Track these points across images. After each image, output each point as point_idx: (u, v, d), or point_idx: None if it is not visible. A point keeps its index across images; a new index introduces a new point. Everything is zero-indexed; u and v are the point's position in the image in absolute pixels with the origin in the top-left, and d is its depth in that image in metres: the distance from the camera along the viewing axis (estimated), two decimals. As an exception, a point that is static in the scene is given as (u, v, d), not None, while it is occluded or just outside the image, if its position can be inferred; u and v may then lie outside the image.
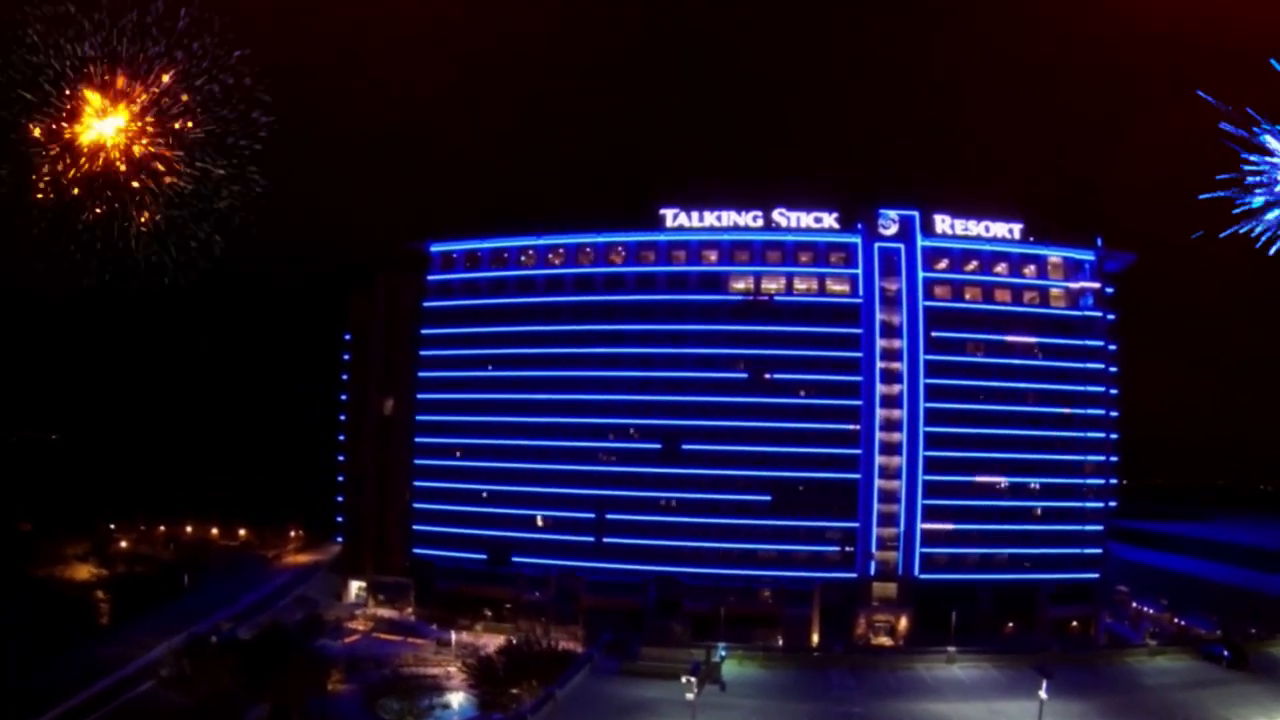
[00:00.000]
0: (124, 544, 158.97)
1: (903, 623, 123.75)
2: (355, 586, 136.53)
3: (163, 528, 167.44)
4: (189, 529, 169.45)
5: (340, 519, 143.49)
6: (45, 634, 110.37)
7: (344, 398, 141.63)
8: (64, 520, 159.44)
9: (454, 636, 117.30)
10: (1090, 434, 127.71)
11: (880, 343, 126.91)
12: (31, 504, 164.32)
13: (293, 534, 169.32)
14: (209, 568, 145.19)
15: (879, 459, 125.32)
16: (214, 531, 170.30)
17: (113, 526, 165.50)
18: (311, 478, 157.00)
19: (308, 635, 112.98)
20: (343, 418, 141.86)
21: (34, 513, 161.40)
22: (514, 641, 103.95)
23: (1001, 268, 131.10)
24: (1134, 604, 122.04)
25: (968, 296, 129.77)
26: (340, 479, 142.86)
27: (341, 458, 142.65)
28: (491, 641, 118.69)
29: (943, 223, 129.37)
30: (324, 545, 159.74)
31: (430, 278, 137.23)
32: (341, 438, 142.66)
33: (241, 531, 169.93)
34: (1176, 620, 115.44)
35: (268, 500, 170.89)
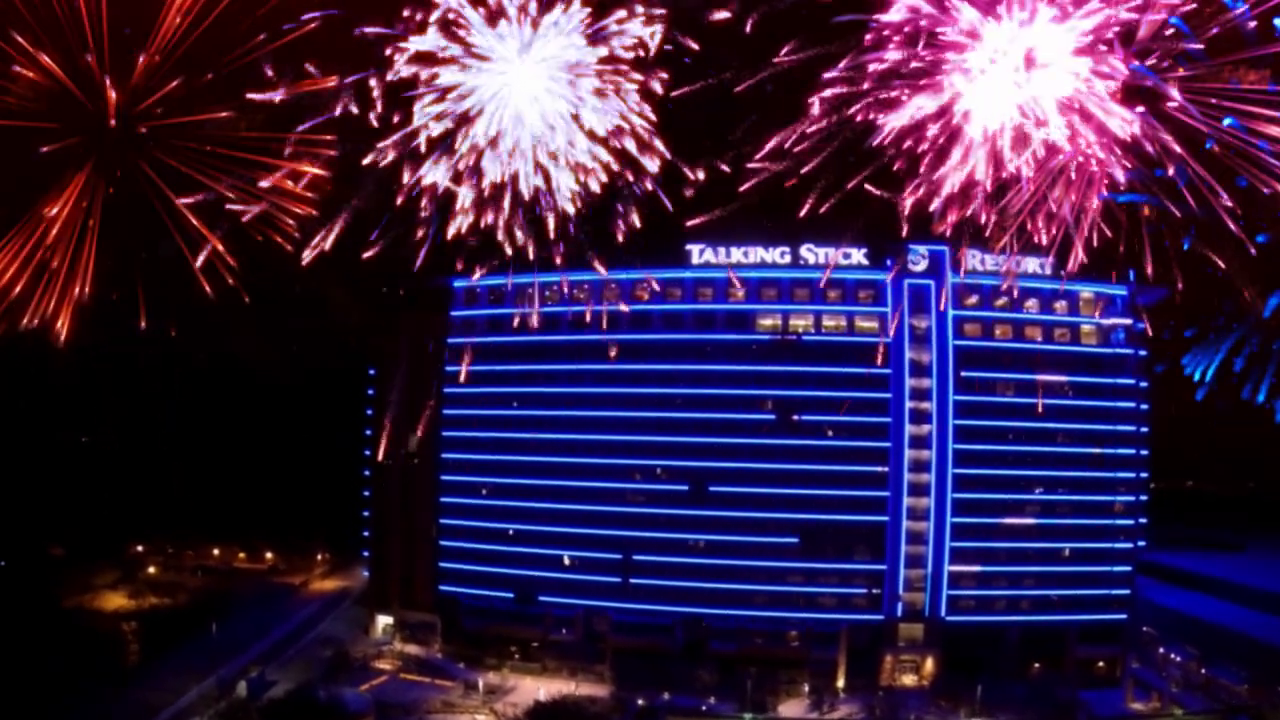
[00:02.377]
0: (152, 570, 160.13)
1: (929, 664, 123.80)
2: (382, 622, 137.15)
3: (190, 552, 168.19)
4: (215, 552, 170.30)
5: (366, 553, 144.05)
6: (79, 675, 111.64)
7: (369, 432, 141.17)
8: (93, 542, 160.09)
9: (481, 680, 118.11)
10: (1120, 474, 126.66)
11: (909, 382, 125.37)
12: (62, 520, 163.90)
13: (320, 557, 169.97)
14: (236, 595, 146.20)
15: (907, 500, 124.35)
16: (240, 555, 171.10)
17: (140, 548, 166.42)
18: (338, 500, 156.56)
19: (334, 679, 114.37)
20: (367, 452, 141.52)
21: (64, 533, 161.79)
22: (541, 699, 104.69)
23: (1032, 304, 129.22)
24: (1161, 649, 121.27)
25: (998, 334, 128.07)
26: (366, 514, 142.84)
27: (367, 493, 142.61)
28: (519, 683, 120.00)
29: (973, 258, 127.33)
30: (351, 569, 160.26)
31: (453, 314, 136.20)
32: (367, 473, 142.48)
33: (269, 555, 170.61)
34: (1204, 671, 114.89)
35: (294, 521, 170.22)
